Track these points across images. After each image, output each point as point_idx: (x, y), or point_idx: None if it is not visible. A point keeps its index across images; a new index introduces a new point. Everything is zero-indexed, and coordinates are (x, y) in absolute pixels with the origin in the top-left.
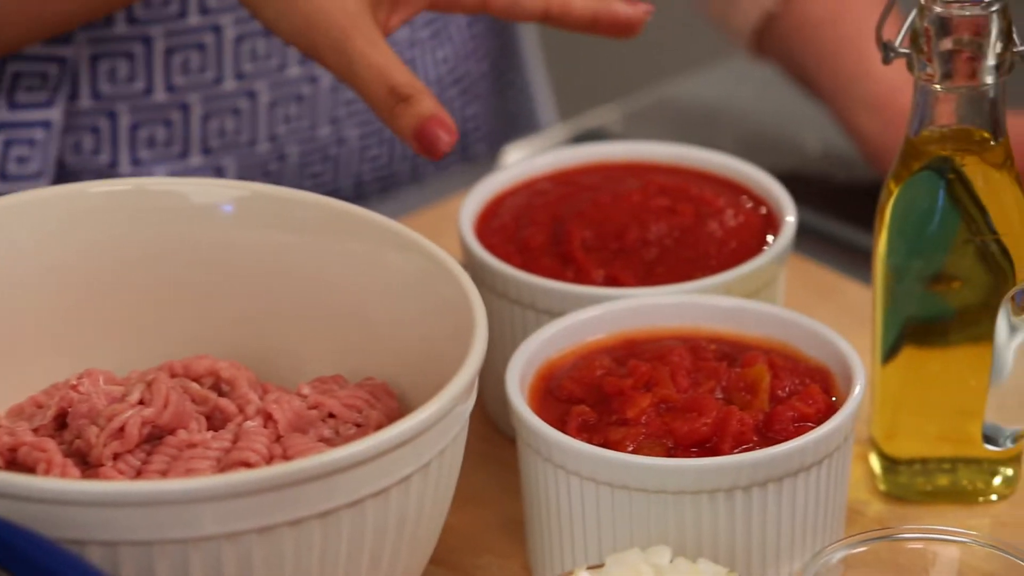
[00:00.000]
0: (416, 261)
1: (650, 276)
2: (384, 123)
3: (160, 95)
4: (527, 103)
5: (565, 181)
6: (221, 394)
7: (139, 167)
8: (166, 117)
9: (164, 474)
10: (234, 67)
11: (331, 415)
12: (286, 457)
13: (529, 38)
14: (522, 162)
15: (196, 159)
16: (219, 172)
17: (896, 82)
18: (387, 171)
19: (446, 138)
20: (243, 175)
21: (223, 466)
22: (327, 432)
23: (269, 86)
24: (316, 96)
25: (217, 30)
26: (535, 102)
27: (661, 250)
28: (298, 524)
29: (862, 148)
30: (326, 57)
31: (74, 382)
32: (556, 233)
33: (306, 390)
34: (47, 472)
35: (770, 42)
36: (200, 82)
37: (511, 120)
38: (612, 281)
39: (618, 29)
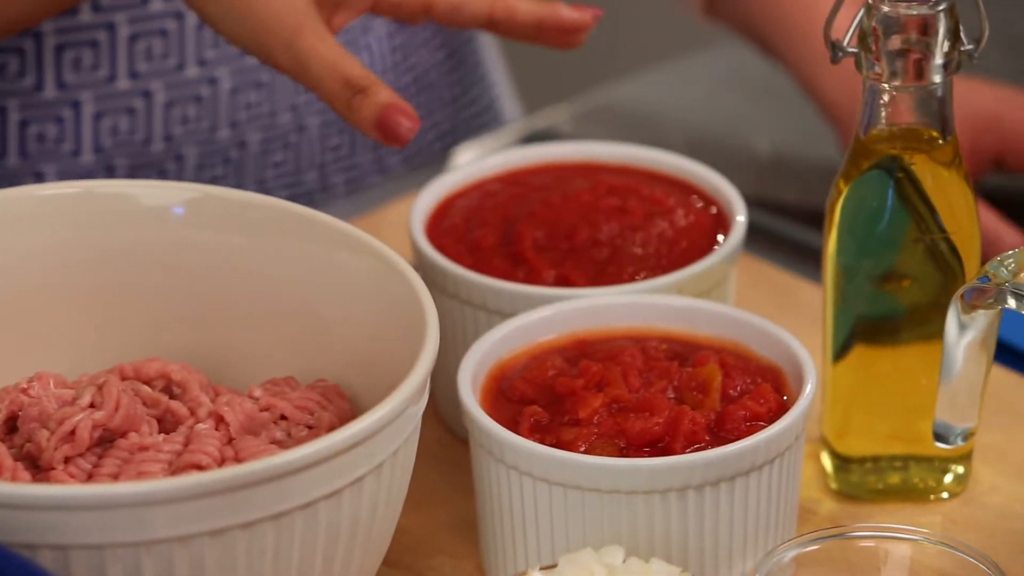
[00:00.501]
0: (367, 262)
1: (601, 276)
2: (343, 117)
3: (123, 82)
4: (487, 93)
5: (515, 181)
6: (172, 397)
7: (101, 154)
8: (129, 105)
9: (115, 477)
10: (196, 53)
11: (283, 417)
12: (238, 459)
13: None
14: (472, 163)
15: (158, 146)
16: (180, 160)
17: None
18: (349, 161)
19: (407, 124)
20: (204, 162)
21: (175, 469)
22: (279, 434)
23: (230, 73)
24: (275, 83)
25: (179, 16)
26: (495, 92)
27: (612, 250)
28: (250, 526)
29: (821, 105)
30: (278, 57)
31: (24, 385)
32: (507, 233)
33: (258, 392)
34: None
35: (722, 3)
36: (163, 69)
37: (471, 111)
38: (563, 281)
39: (563, 36)
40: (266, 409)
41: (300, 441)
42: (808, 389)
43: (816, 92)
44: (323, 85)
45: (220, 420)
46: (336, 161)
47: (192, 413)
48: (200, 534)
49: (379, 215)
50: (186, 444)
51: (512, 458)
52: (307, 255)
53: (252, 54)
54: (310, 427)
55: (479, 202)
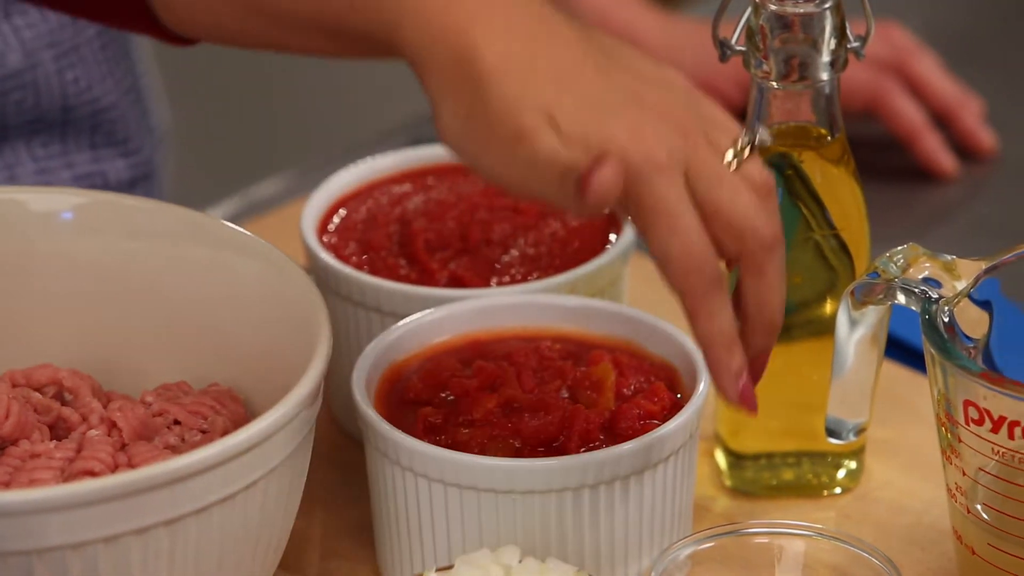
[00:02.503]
0: (258, 266)
1: (494, 276)
2: (562, 206)
3: None
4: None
5: (408, 182)
6: (64, 403)
7: None
8: None
9: (7, 485)
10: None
11: (176, 422)
12: (131, 465)
13: (145, 57)
14: (365, 163)
15: None
16: None
17: (603, 5)
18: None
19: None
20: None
21: (67, 476)
22: (172, 439)
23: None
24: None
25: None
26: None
27: (505, 250)
28: (144, 532)
29: None
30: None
31: None
32: (400, 234)
33: (150, 397)
34: None
35: None
36: None
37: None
38: (457, 282)
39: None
40: (159, 414)
41: (194, 446)
42: (702, 387)
43: None
44: (544, 186)
45: (112, 426)
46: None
47: (84, 419)
48: (94, 541)
49: (271, 217)
50: (78, 451)
51: (407, 460)
52: (198, 259)
53: (483, 175)
54: (204, 432)
55: (372, 203)
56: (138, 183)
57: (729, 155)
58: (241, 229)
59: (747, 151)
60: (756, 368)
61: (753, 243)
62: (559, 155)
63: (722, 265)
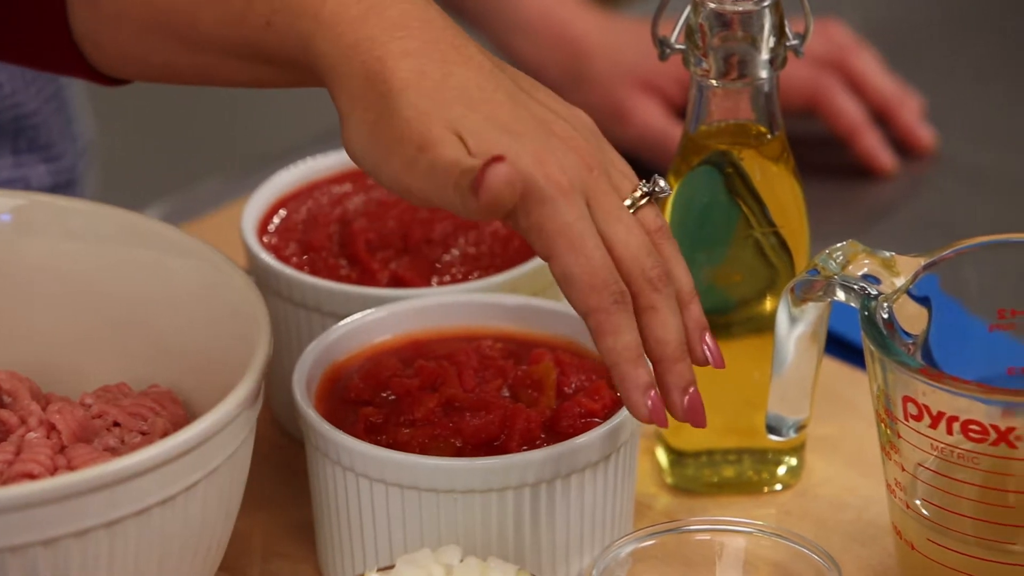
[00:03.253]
0: (198, 267)
1: (435, 276)
2: (458, 212)
3: None
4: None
5: (348, 182)
6: (2, 405)
7: None
8: None
9: None
10: None
11: (116, 424)
12: (70, 467)
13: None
14: (305, 164)
15: None
16: None
17: (544, 5)
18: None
19: (499, 169)
20: None
21: (6, 479)
22: (112, 441)
23: None
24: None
25: None
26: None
27: (445, 249)
28: (84, 535)
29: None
30: (404, 178)
31: None
32: (340, 234)
33: (90, 399)
34: None
35: None
36: None
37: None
38: (397, 282)
39: None
40: (98, 416)
41: (133, 448)
42: None
43: (512, 56)
44: (444, 192)
45: (51, 428)
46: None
47: (23, 422)
48: (33, 544)
49: (211, 219)
50: (17, 453)
51: (348, 460)
52: (137, 261)
53: (384, 184)
54: (144, 433)
55: (312, 203)
56: (59, 190)
57: (628, 201)
58: (180, 231)
59: (645, 200)
60: (694, 407)
61: (642, 281)
62: (460, 162)
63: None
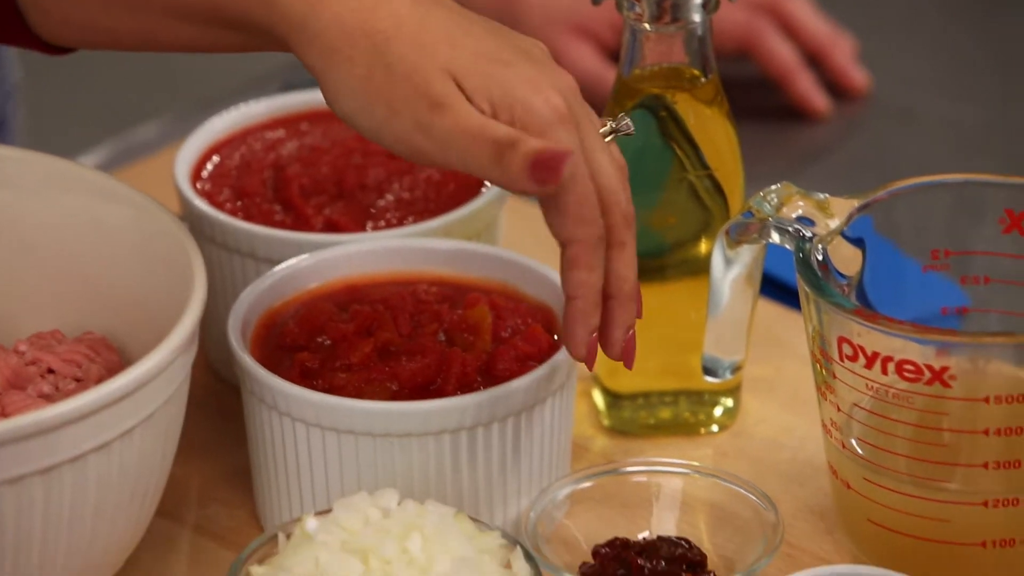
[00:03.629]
0: (131, 214)
1: (370, 221)
2: (494, 182)
3: None
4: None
5: (282, 128)
6: None
7: None
8: None
9: None
10: None
11: (50, 371)
12: (4, 415)
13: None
14: (237, 110)
15: None
16: None
17: None
18: None
19: (561, 159)
20: None
21: None
22: (46, 388)
23: None
24: None
25: None
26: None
27: (380, 195)
28: (18, 482)
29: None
30: (414, 141)
31: None
32: (274, 180)
33: (23, 346)
34: None
35: None
36: None
37: None
38: (332, 227)
39: None
40: (32, 363)
41: (68, 394)
42: None
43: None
44: (470, 158)
45: None
46: None
47: None
48: None
49: (144, 165)
50: None
51: (284, 405)
52: (69, 207)
53: (385, 144)
54: (78, 380)
55: (246, 149)
56: None
57: None
58: (111, 177)
59: (611, 137)
60: (630, 348)
61: (618, 216)
62: (485, 129)
63: None
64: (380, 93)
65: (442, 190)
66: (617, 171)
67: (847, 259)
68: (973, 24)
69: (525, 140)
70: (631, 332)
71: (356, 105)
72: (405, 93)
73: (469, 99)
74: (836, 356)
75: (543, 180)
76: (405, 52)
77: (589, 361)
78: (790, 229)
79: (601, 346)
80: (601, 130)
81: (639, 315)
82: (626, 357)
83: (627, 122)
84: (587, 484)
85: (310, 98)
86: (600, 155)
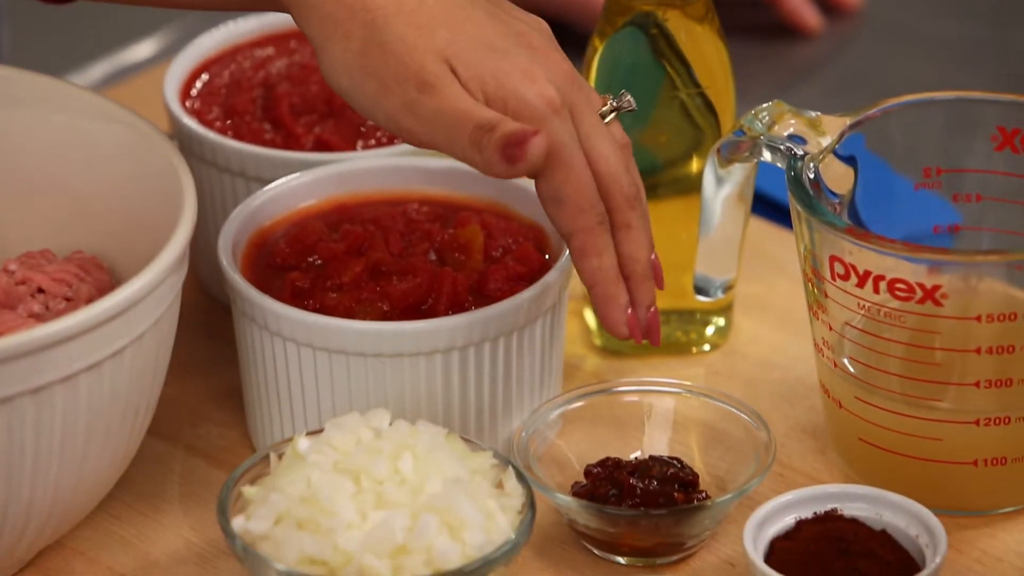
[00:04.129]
0: (119, 132)
1: (360, 140)
2: (471, 164)
3: None
4: None
5: (271, 45)
6: None
7: None
8: None
9: None
10: None
11: (40, 290)
12: None
13: None
14: (226, 27)
15: None
16: None
17: None
18: None
19: (533, 141)
20: None
21: None
22: (37, 307)
23: None
24: None
25: None
26: None
27: None
28: (10, 401)
29: None
30: (400, 118)
31: None
32: (264, 99)
33: (13, 266)
34: None
35: None
36: None
37: None
38: (322, 146)
39: None
40: (22, 283)
41: (58, 314)
42: None
43: None
44: (453, 140)
45: None
46: None
47: None
48: None
49: (134, 83)
50: None
51: (275, 324)
52: (58, 126)
53: (378, 122)
54: (68, 299)
55: (235, 67)
56: None
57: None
58: (100, 95)
59: (613, 115)
60: (653, 325)
61: (620, 199)
62: (471, 114)
63: None
64: (373, 70)
65: None
66: (618, 152)
67: (839, 177)
68: None
69: (504, 123)
70: (653, 310)
71: (349, 80)
72: (396, 71)
73: (464, 87)
74: (828, 275)
75: (512, 158)
76: (402, 31)
77: (636, 336)
78: (782, 147)
79: None
80: (603, 109)
81: (660, 286)
82: (651, 334)
83: (629, 99)
84: (579, 404)
85: None
86: (598, 140)
